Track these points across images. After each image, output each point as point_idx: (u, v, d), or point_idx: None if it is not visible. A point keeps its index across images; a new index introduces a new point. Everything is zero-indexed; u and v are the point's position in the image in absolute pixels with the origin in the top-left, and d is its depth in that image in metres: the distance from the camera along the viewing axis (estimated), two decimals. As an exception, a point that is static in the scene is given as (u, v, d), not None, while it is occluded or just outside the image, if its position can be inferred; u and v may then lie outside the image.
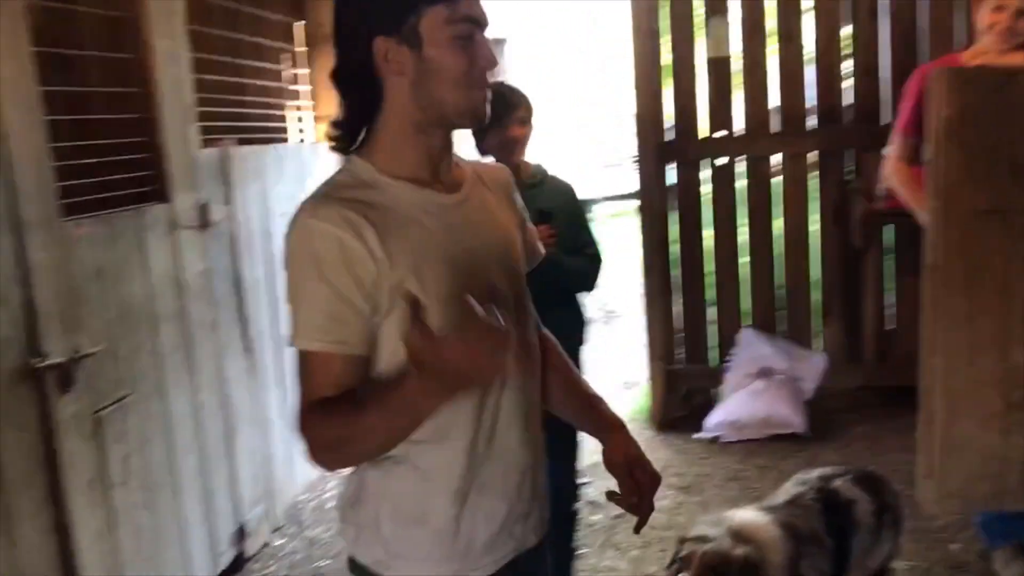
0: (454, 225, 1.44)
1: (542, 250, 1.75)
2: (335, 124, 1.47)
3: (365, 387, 1.37)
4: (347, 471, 1.52)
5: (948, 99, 2.62)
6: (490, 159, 2.90)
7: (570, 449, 3.07)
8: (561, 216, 2.82)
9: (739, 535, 2.43)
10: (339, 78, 1.44)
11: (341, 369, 1.35)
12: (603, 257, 2.97)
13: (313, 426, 1.35)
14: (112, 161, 2.88)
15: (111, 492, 2.68)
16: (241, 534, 3.57)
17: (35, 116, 2.42)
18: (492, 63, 1.42)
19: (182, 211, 3.18)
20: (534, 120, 2.92)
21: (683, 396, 4.97)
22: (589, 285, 2.97)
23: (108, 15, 2.96)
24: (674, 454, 4.46)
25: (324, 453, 1.38)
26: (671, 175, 4.77)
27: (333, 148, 1.49)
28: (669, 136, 4.72)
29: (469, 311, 1.21)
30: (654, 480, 1.60)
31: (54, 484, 2.44)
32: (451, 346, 1.20)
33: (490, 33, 1.45)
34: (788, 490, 2.76)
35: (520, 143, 2.87)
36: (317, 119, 4.73)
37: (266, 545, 3.78)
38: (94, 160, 2.81)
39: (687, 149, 4.69)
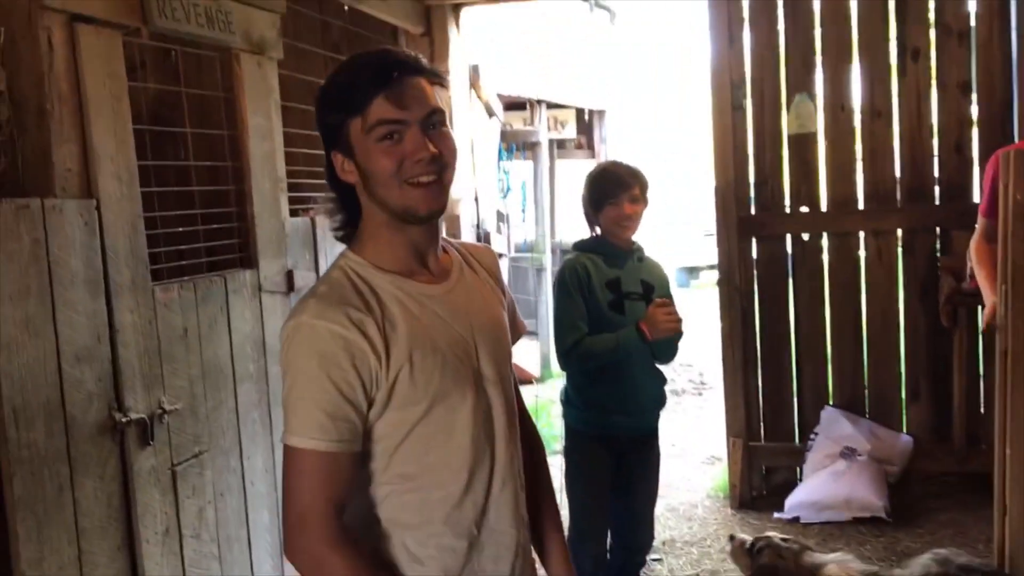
0: (441, 315, 1.50)
1: (524, 327, 1.84)
2: (335, 216, 1.58)
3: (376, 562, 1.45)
4: None
5: (1018, 182, 2.60)
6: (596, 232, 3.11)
7: (647, 512, 3.14)
8: (659, 290, 3.06)
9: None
10: (328, 180, 1.55)
11: (340, 467, 1.40)
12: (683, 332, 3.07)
13: (342, 567, 1.38)
14: (204, 229, 3.10)
15: (184, 543, 2.82)
16: (312, 591, 3.65)
17: (131, 188, 2.62)
18: (418, 154, 1.43)
19: (268, 276, 3.35)
20: (649, 196, 3.06)
21: (763, 474, 4.88)
22: (672, 355, 3.10)
23: (207, 95, 3.20)
24: (751, 533, 4.35)
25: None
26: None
27: (338, 238, 1.59)
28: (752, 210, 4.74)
29: None
30: None
31: (129, 533, 2.58)
32: None
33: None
34: (924, 563, 2.74)
35: (633, 220, 3.01)
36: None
37: (336, 603, 3.85)
38: (187, 228, 3.02)
39: (769, 224, 4.69)
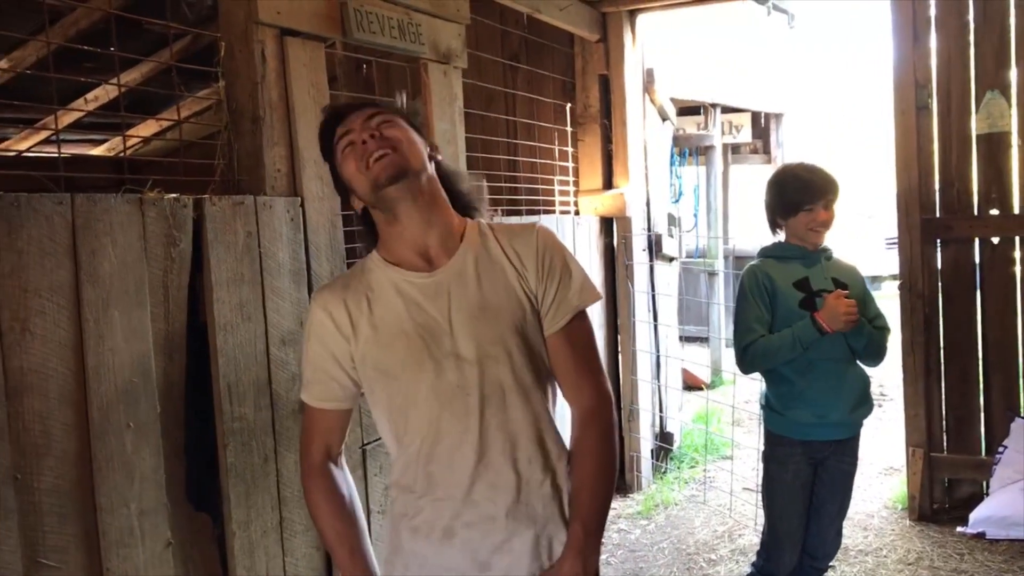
0: (418, 300, 1.72)
1: (585, 297, 1.79)
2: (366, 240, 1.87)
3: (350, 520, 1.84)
4: None
5: None
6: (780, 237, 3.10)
7: (837, 520, 3.13)
8: (852, 289, 2.94)
9: None
10: (356, 218, 1.88)
11: (322, 419, 1.80)
12: (890, 329, 3.05)
13: (313, 491, 1.82)
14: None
15: (372, 518, 3.02)
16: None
17: (331, 188, 2.84)
18: (363, 135, 1.70)
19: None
20: (840, 201, 3.01)
21: (945, 486, 4.68)
22: (880, 355, 3.01)
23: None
24: (931, 546, 4.21)
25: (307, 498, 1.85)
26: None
27: (360, 241, 1.93)
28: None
29: None
30: None
31: (324, 504, 2.80)
32: None
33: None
34: None
35: (826, 226, 2.98)
36: (578, 192, 5.03)
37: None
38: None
39: (955, 227, 4.50)
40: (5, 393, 1.93)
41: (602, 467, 1.76)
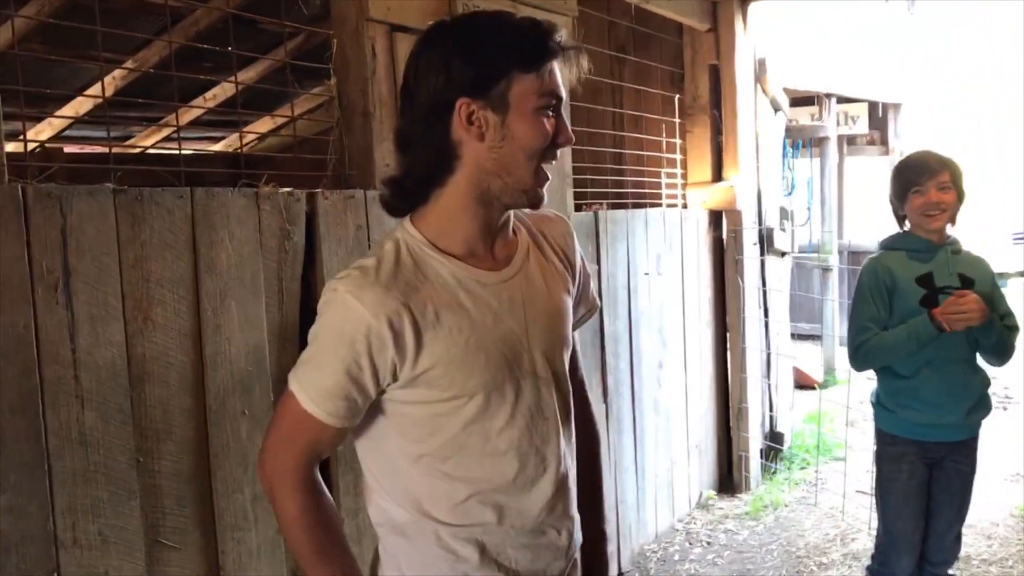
0: (494, 307, 1.41)
1: (596, 304, 1.70)
2: (394, 183, 1.43)
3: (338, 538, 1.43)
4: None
5: None
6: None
7: (955, 524, 3.00)
8: (980, 285, 2.82)
9: None
10: (409, 138, 1.40)
11: (324, 436, 1.39)
12: (1019, 328, 2.91)
13: (292, 504, 1.39)
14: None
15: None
16: (589, 571, 3.79)
17: (438, 182, 2.87)
18: (570, 139, 1.39)
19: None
20: (965, 187, 2.89)
21: (1078, 495, 4.44)
22: (1007, 355, 2.87)
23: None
24: (1060, 558, 4.00)
25: (279, 514, 1.42)
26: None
27: (388, 210, 1.47)
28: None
29: None
30: None
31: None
32: None
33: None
34: None
35: (941, 208, 2.83)
36: (686, 185, 4.94)
37: (612, 586, 3.97)
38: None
39: (1091, 220, 4.25)
40: (129, 379, 2.01)
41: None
